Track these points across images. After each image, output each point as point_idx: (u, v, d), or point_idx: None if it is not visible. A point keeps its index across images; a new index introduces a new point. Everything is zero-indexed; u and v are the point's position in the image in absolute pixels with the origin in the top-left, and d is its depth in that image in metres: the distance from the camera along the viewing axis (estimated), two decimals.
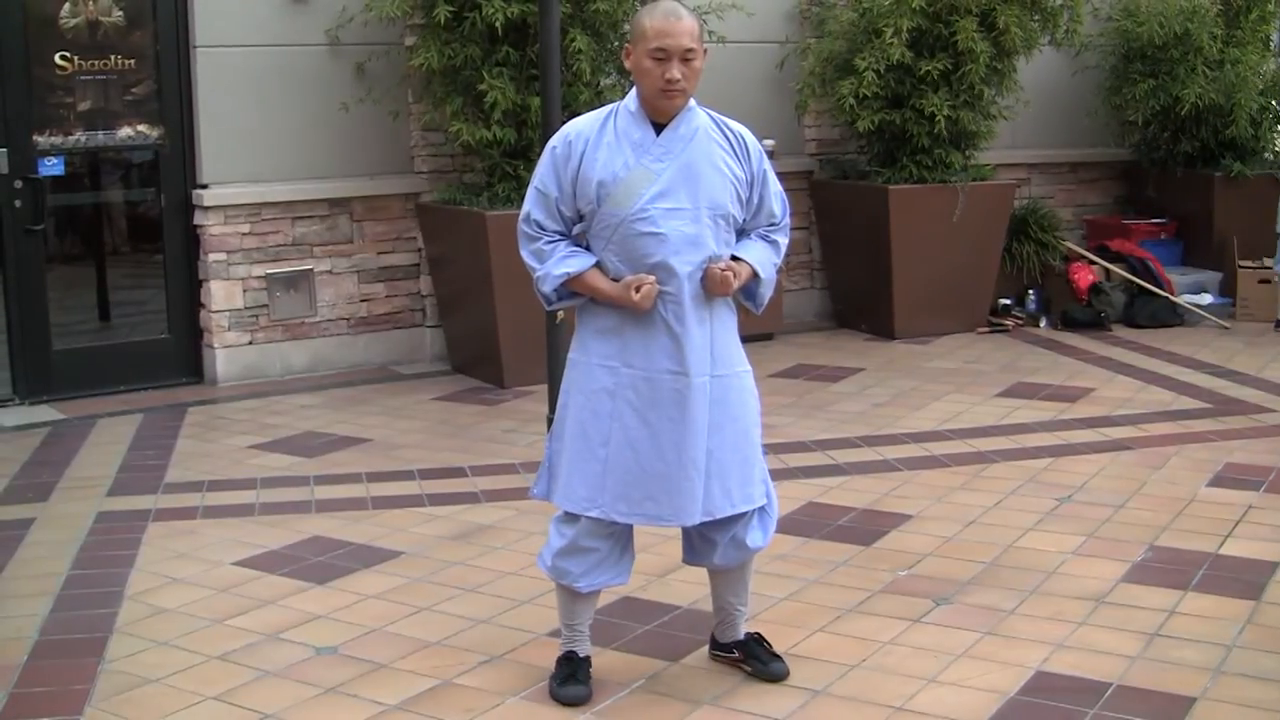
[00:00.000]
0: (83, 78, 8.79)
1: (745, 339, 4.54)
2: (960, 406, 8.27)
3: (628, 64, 4.34)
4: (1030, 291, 11.06)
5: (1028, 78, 10.81)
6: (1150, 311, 10.71)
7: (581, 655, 4.60)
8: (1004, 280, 10.92)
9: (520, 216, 4.45)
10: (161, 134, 9.05)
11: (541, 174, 4.40)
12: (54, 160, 8.71)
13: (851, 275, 10.84)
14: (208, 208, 8.97)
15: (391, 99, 9.35)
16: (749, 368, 4.54)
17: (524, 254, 4.45)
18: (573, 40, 8.58)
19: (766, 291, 4.54)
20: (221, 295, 9.03)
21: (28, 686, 4.68)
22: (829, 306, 11.19)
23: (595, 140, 4.34)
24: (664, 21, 4.22)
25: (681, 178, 4.30)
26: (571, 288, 4.40)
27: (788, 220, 4.62)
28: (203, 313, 9.15)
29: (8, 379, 8.67)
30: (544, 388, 6.86)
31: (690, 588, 5.42)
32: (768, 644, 4.74)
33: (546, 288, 4.41)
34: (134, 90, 9.01)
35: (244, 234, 9.08)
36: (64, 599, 5.47)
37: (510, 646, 4.94)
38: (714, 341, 4.39)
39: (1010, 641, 4.91)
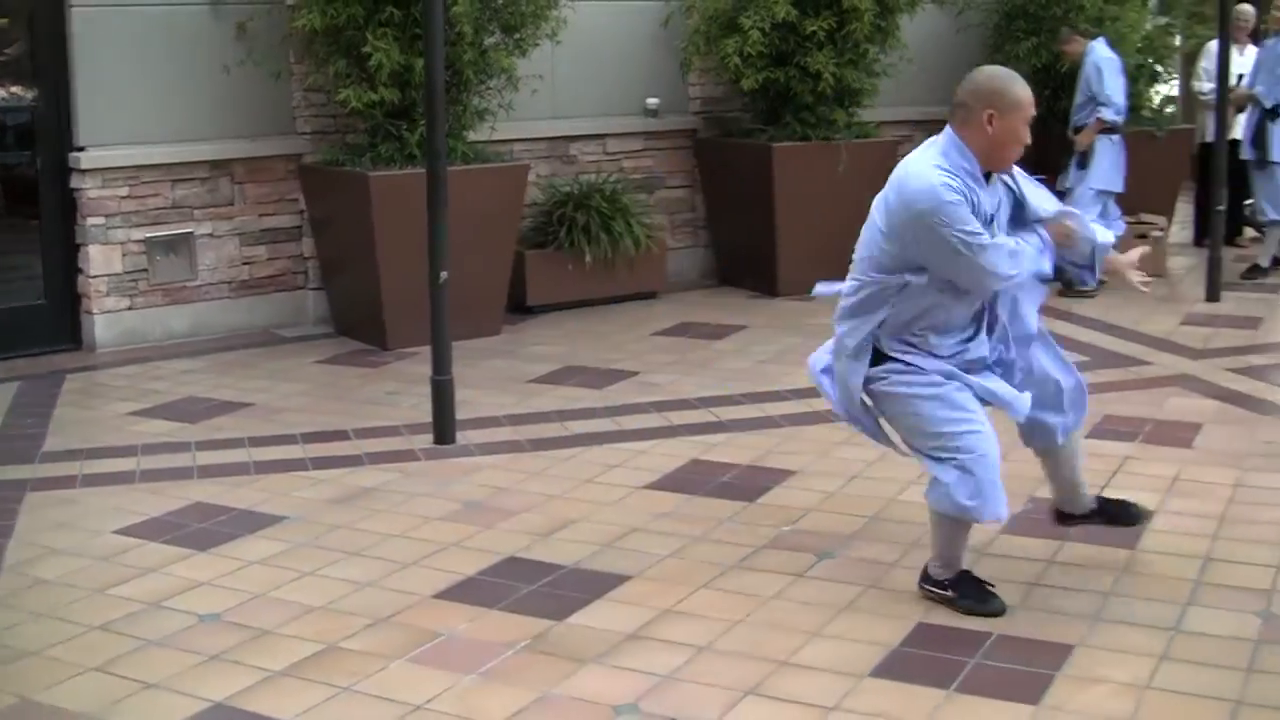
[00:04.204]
0: None
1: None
2: None
3: (989, 128, 4.73)
4: None
5: (911, 35, 10.88)
6: None
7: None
8: None
9: (965, 242, 4.67)
10: (36, 95, 8.87)
11: (961, 212, 4.71)
12: None
13: (736, 233, 10.87)
14: (85, 170, 8.81)
15: (273, 59, 9.22)
16: None
17: (1001, 267, 4.70)
18: (455, 2, 8.51)
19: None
20: (100, 260, 8.89)
21: None
22: (713, 265, 11.22)
23: (968, 185, 4.79)
24: (1027, 93, 4.75)
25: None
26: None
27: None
28: (80, 278, 9.00)
29: None
30: (426, 349, 6.83)
31: (580, 548, 5.44)
32: (1116, 501, 5.34)
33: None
34: (7, 50, 8.85)
35: (122, 197, 8.93)
36: None
37: (396, 609, 4.92)
38: None
39: (893, 594, 4.97)
